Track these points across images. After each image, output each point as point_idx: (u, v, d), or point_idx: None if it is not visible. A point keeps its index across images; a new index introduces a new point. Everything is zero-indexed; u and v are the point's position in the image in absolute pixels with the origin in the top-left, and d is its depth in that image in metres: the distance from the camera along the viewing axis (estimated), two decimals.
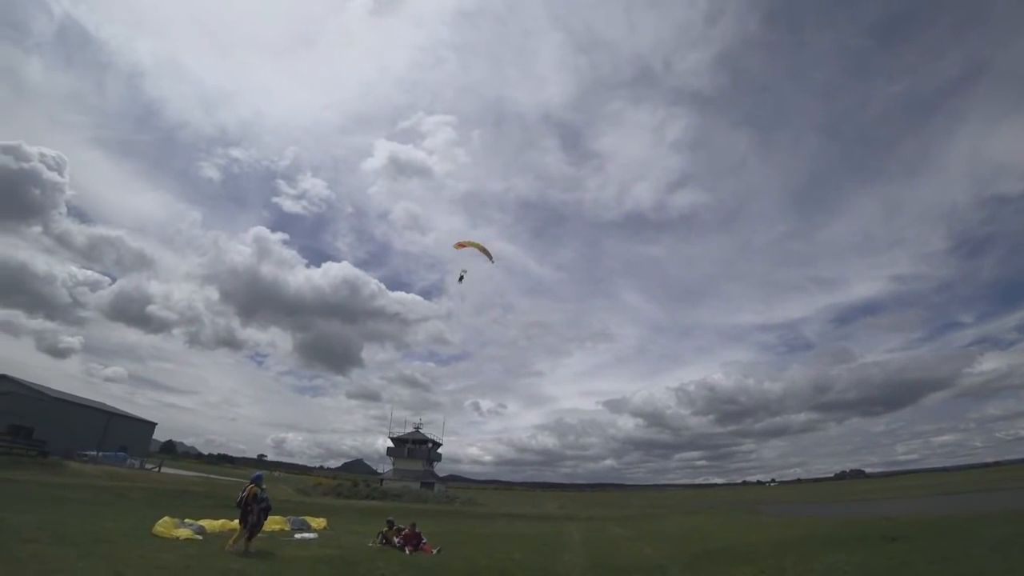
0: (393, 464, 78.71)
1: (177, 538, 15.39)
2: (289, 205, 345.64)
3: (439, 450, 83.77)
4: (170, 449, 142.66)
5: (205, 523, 18.73)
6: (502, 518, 36.11)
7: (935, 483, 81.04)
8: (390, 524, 17.82)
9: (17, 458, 32.79)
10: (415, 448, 79.09)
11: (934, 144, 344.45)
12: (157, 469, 47.75)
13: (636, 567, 13.75)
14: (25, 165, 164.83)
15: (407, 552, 16.13)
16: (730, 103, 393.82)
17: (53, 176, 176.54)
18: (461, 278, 30.31)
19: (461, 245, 30.62)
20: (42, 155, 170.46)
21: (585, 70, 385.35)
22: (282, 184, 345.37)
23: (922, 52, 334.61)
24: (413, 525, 17.56)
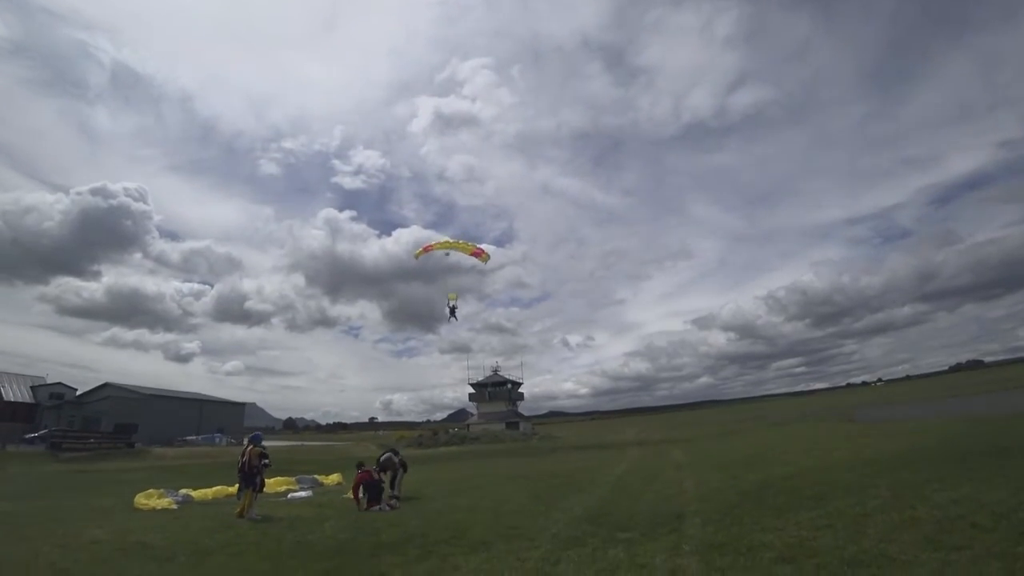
0: (477, 408, 78.06)
1: (153, 509, 14.54)
2: (349, 182, 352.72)
3: (520, 389, 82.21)
4: (291, 425, 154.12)
5: (195, 492, 17.11)
6: (563, 452, 32.57)
7: None
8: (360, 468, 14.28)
9: (107, 451, 35.48)
10: (496, 391, 77.71)
11: None
12: (232, 444, 50.19)
13: (645, 518, 9.19)
14: (113, 202, 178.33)
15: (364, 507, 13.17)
16: None
17: (140, 206, 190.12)
18: (453, 311, 22.76)
19: (427, 250, 23.60)
20: (126, 190, 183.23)
21: None
22: (337, 164, 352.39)
23: None
24: (371, 470, 14.10)
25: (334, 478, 20.92)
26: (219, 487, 17.81)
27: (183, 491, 17.09)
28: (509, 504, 12.09)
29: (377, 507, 13.06)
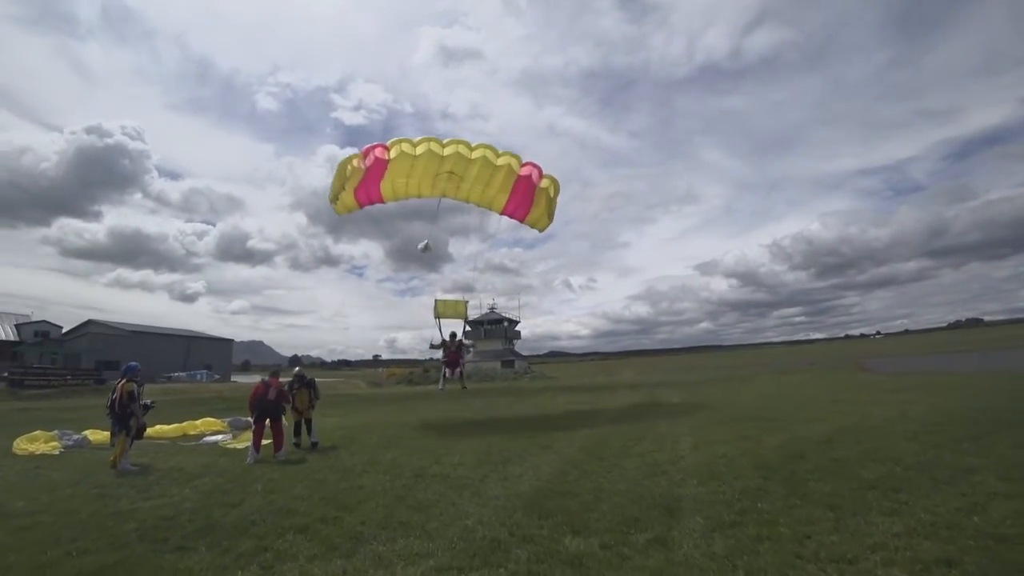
0: (473, 346, 75.89)
1: (32, 454, 12.03)
2: (349, 118, 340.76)
3: (517, 328, 79.77)
4: (296, 362, 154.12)
5: (94, 435, 14.21)
6: (549, 392, 29.64)
7: None
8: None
9: (74, 389, 34.75)
10: (492, 328, 75.35)
11: None
12: (220, 379, 49.20)
13: (617, 507, 5.79)
14: (109, 141, 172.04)
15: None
16: None
17: (137, 145, 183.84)
18: (453, 348, 15.82)
19: (368, 198, 13.33)
20: (123, 128, 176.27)
21: None
22: (336, 98, 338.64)
23: None
24: (271, 381, 10.95)
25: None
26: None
27: (85, 432, 14.18)
28: (441, 464, 8.83)
29: (279, 455, 10.20)
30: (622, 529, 5.00)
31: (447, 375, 15.53)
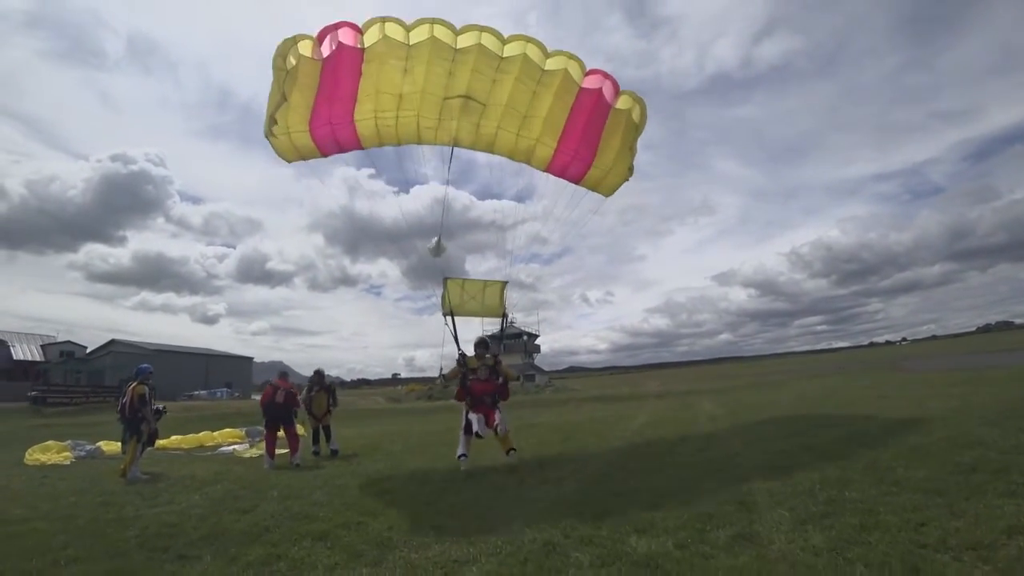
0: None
1: (43, 464, 11.80)
2: None
3: (537, 342, 78.96)
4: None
5: (107, 445, 13.89)
6: (575, 403, 28.79)
7: None
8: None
9: (96, 406, 34.88)
10: (511, 343, 74.30)
11: None
12: (239, 397, 49.57)
13: (679, 502, 5.02)
14: (134, 167, 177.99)
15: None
16: None
17: (160, 171, 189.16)
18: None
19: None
20: (146, 155, 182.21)
21: None
22: None
23: None
24: (280, 384, 10.54)
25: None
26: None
27: (99, 443, 13.85)
28: (471, 470, 8.12)
29: (295, 459, 9.65)
30: (695, 526, 4.25)
31: (474, 427, 8.10)
